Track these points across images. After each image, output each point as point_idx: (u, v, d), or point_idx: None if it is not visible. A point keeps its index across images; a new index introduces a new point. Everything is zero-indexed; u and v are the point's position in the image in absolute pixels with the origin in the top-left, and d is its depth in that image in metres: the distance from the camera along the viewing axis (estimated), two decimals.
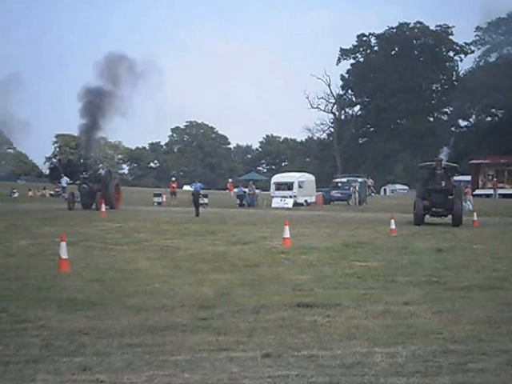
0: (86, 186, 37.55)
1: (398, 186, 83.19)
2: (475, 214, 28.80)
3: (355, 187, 50.84)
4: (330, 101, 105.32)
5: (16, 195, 57.80)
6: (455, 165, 30.42)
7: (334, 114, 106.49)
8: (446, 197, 27.56)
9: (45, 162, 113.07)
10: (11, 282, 11.56)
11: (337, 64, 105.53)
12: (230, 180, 53.56)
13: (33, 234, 21.53)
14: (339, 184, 53.75)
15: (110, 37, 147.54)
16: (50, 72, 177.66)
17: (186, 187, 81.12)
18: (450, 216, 27.74)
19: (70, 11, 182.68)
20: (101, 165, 42.06)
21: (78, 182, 39.04)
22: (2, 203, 42.23)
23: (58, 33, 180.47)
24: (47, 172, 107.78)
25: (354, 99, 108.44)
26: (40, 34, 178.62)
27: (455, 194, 27.84)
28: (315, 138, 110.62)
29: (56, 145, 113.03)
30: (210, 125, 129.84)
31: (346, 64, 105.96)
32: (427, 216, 28.32)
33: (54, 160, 46.04)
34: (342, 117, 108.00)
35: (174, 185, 52.79)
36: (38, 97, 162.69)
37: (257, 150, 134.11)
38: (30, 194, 59.91)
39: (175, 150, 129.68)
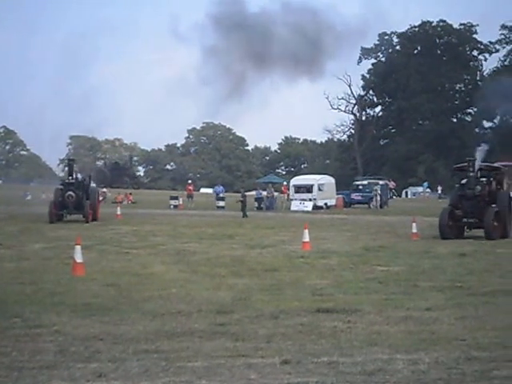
0: (74, 194, 31.13)
1: (421, 189, 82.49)
2: None
3: (377, 190, 50.51)
4: (351, 101, 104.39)
5: (29, 198, 57.86)
6: (497, 165, 25.48)
7: (354, 114, 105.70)
8: (480, 205, 22.13)
9: (59, 164, 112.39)
10: (25, 287, 11.54)
11: (358, 64, 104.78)
12: (285, 183, 52.23)
13: (47, 238, 21.65)
14: (360, 186, 53.30)
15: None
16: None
17: (203, 190, 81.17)
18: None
19: None
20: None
21: (61, 187, 32.18)
22: (15, 206, 42.06)
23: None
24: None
25: (375, 100, 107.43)
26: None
27: (490, 202, 22.20)
28: (335, 139, 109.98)
29: (70, 146, 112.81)
30: (227, 126, 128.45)
31: (367, 64, 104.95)
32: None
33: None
34: (363, 118, 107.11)
35: (191, 187, 52.59)
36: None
37: (275, 151, 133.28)
38: (44, 196, 59.80)
39: (192, 152, 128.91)
